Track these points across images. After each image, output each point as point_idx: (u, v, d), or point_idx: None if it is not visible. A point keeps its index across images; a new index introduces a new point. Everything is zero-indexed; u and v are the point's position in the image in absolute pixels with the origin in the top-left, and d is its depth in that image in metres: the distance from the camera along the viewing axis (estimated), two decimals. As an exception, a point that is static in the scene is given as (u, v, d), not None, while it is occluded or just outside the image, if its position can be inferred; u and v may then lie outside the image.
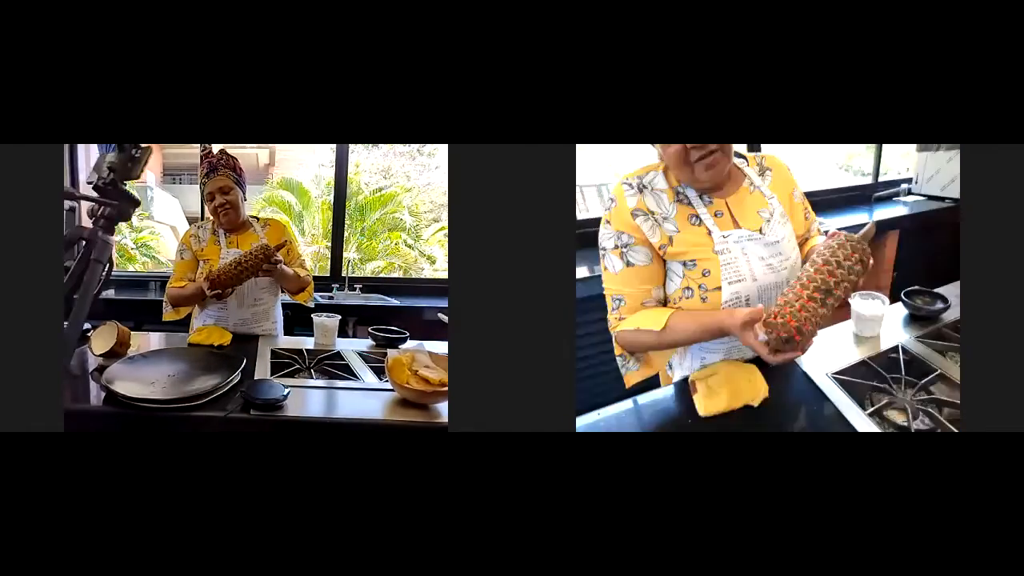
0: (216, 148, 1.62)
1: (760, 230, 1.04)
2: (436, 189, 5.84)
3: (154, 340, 1.63)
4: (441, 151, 5.46)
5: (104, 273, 0.79)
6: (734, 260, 1.00)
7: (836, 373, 1.01)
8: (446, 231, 5.11)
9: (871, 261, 0.90)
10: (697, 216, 1.01)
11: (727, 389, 0.95)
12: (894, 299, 1.09)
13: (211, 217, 1.67)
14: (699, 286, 1.00)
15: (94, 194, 0.95)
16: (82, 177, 2.52)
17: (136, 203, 0.89)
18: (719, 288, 0.99)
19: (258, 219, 1.72)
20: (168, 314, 1.66)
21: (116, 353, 1.34)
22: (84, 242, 0.79)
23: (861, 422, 0.86)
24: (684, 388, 1.00)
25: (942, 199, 3.38)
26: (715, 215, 1.02)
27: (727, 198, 1.04)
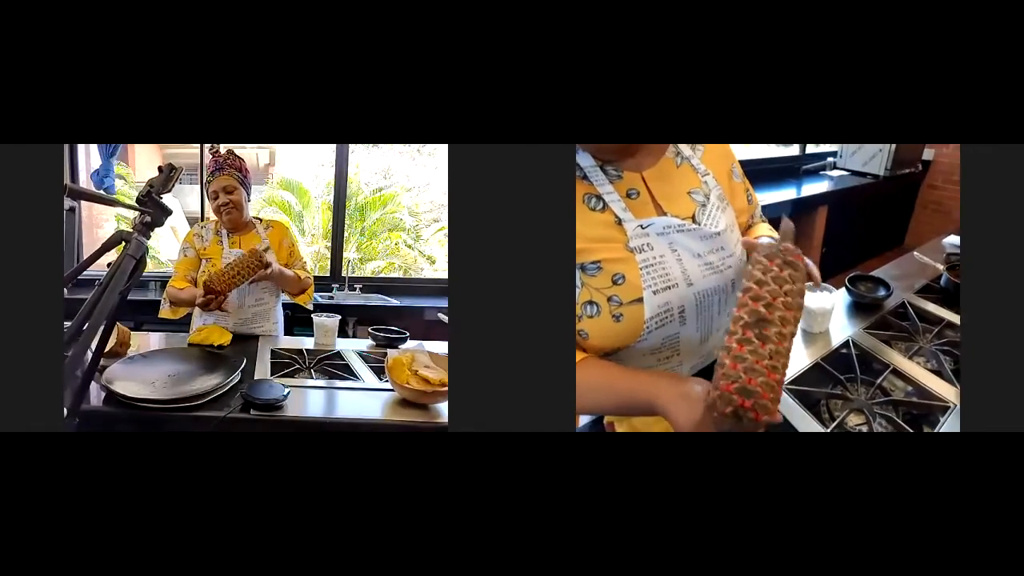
0: (224, 148, 1.63)
1: (693, 217, 0.78)
2: (436, 189, 5.83)
3: (154, 340, 1.64)
4: (441, 151, 5.45)
5: (135, 268, 0.91)
6: (659, 260, 0.73)
7: (789, 383, 0.94)
8: (446, 231, 5.11)
9: (803, 260, 0.71)
10: (599, 197, 0.74)
11: (659, 429, 0.75)
12: (824, 276, 1.02)
13: (214, 217, 1.68)
14: (609, 299, 0.72)
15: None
16: (82, 178, 2.52)
17: (168, 212, 1.00)
18: (639, 300, 0.72)
19: (261, 220, 1.73)
20: (164, 311, 1.66)
21: (116, 353, 1.34)
22: (124, 242, 0.92)
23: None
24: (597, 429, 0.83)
25: (864, 175, 3.44)
26: (627, 195, 0.75)
27: (643, 171, 0.77)
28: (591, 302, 0.73)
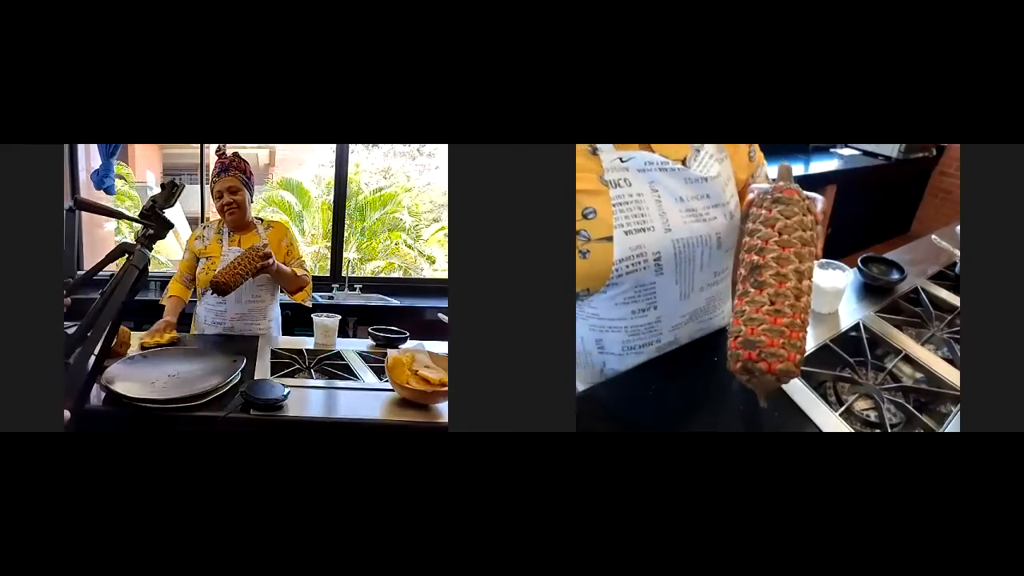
0: (230, 150, 1.69)
1: (684, 161, 0.72)
2: (436, 189, 5.83)
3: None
4: (441, 151, 5.45)
5: (138, 278, 0.96)
6: (636, 197, 0.67)
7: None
8: (446, 231, 5.11)
9: (797, 193, 0.66)
10: None
11: None
12: (828, 254, 0.99)
13: (219, 216, 1.73)
14: (577, 233, 0.68)
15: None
16: (82, 178, 2.52)
17: (170, 226, 1.07)
18: (609, 238, 0.67)
19: (262, 220, 1.77)
20: (164, 300, 1.74)
21: (116, 353, 1.34)
22: (128, 254, 0.97)
23: (831, 422, 0.79)
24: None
25: (875, 155, 3.37)
26: None
27: None
28: None
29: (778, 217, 0.63)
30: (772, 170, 0.91)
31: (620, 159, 0.68)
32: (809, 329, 0.99)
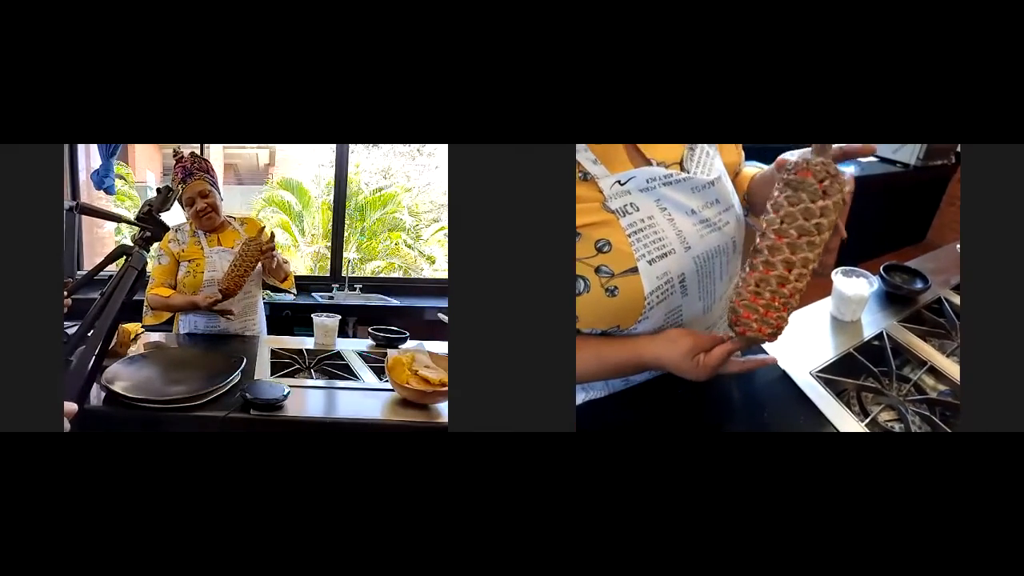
0: (187, 152, 1.61)
1: (681, 165, 0.68)
2: (436, 189, 5.83)
3: (154, 340, 1.64)
4: (441, 151, 5.45)
5: (137, 278, 1.01)
6: (649, 222, 0.63)
7: (820, 371, 0.91)
8: (446, 231, 5.11)
9: (816, 176, 0.60)
10: None
11: None
12: (840, 262, 0.97)
13: (190, 219, 1.66)
14: (596, 269, 0.63)
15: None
16: (82, 177, 2.52)
17: (166, 228, 1.13)
18: (634, 270, 0.62)
19: (235, 218, 1.73)
20: (148, 318, 1.66)
21: (116, 353, 1.34)
22: (127, 255, 1.03)
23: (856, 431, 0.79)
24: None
25: (894, 163, 3.32)
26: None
27: None
28: (579, 276, 0.64)
29: (783, 203, 0.61)
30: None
31: (619, 182, 0.63)
32: (830, 337, 1.00)
